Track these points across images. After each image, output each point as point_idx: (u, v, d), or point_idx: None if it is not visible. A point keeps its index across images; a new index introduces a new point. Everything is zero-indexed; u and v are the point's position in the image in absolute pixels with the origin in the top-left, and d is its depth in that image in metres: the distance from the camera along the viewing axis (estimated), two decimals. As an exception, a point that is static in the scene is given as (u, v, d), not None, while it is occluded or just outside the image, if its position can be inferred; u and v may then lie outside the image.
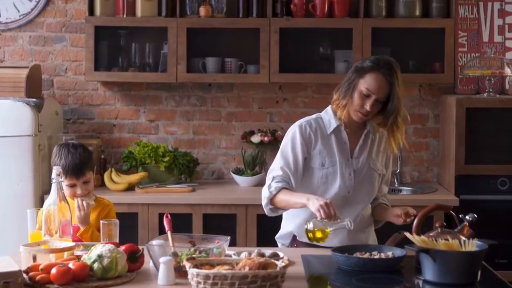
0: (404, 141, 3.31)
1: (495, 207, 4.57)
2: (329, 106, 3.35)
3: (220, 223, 4.54)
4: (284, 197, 3.20)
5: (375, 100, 3.17)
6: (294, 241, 3.37)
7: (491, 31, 5.01)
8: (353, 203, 3.29)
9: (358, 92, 3.18)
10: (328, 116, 3.31)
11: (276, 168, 3.29)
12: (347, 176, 3.27)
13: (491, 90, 4.78)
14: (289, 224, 3.40)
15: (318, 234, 3.02)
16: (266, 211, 3.29)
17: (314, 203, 3.02)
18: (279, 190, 3.22)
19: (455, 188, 4.62)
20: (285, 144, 3.31)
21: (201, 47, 4.94)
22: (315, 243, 3.08)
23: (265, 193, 3.26)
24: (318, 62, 5.00)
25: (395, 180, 4.96)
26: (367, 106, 3.17)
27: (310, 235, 3.02)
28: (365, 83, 3.17)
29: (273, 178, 3.26)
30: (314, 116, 3.35)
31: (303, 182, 3.30)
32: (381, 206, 3.42)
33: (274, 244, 3.48)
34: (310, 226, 3.02)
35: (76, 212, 3.24)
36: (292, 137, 3.29)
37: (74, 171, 3.29)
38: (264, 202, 3.27)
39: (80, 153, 3.35)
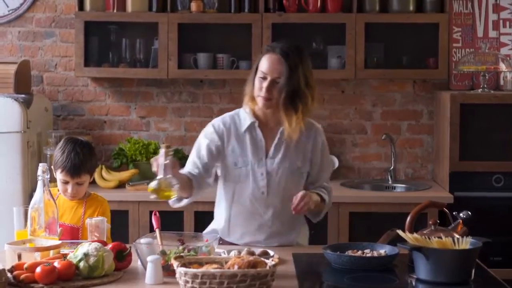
0: (297, 125, 3.14)
1: (489, 204, 4.54)
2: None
3: (212, 221, 4.48)
4: None
5: (272, 81, 3.09)
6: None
7: (485, 26, 4.97)
8: (271, 204, 3.21)
9: (257, 77, 3.13)
10: (245, 113, 3.23)
11: (188, 160, 3.25)
12: (259, 177, 3.18)
13: (485, 86, 4.74)
14: (214, 222, 3.36)
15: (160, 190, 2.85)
16: (171, 202, 3.18)
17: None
18: None
19: (450, 185, 4.59)
20: (199, 138, 3.28)
21: (193, 42, 4.89)
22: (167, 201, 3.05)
23: None
24: (311, 58, 4.92)
25: (389, 177, 4.93)
26: (264, 88, 3.09)
27: (155, 193, 2.86)
28: (261, 66, 3.13)
29: (188, 164, 3.23)
30: (232, 112, 3.29)
31: (224, 180, 3.24)
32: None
33: (266, 242, 3.42)
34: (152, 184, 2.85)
35: None
36: (205, 132, 3.25)
37: (71, 169, 3.23)
38: None
39: (85, 154, 3.27)
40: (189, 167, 3.21)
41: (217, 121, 3.25)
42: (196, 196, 3.18)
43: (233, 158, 3.19)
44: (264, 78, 3.11)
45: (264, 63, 3.12)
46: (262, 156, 3.19)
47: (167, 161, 2.80)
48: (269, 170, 3.19)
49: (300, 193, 3.10)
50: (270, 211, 3.21)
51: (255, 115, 3.22)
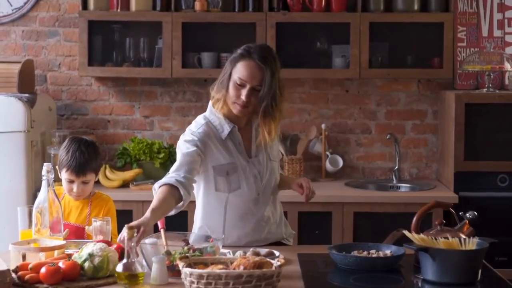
0: (277, 132, 3.17)
1: (494, 204, 4.53)
2: (212, 107, 3.15)
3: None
4: (156, 196, 2.92)
5: (251, 89, 3.01)
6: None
7: (490, 25, 4.95)
8: (264, 201, 3.19)
9: (233, 83, 3.03)
10: (218, 119, 3.12)
11: (175, 165, 3.05)
12: (252, 180, 3.13)
13: (490, 85, 4.72)
14: (202, 228, 3.22)
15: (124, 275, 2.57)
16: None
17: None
18: (162, 185, 2.94)
19: (454, 185, 4.57)
20: (180, 145, 3.10)
21: (197, 42, 4.88)
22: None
23: (160, 180, 2.99)
24: (315, 57, 4.94)
25: (393, 177, 4.91)
26: (243, 96, 3.01)
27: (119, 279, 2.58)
28: (238, 72, 3.01)
29: (172, 171, 3.02)
30: (201, 120, 3.14)
31: (211, 191, 3.14)
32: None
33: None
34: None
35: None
36: (186, 139, 3.08)
37: (76, 168, 3.23)
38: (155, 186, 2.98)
39: (90, 153, 3.27)
40: (175, 172, 2.99)
41: (196, 132, 3.09)
42: (186, 202, 2.99)
43: (223, 167, 3.10)
44: (241, 86, 3.02)
45: (242, 70, 3.01)
46: (247, 158, 3.14)
47: (132, 244, 2.58)
48: (260, 170, 3.16)
49: (302, 181, 3.13)
50: (264, 208, 3.19)
51: (229, 118, 3.12)
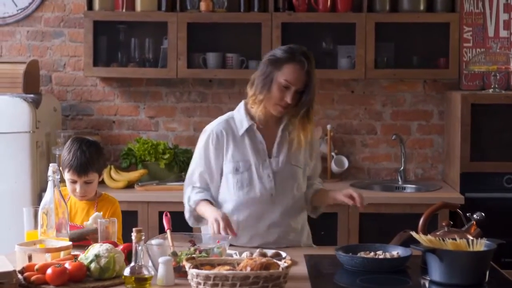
0: (313, 134, 3.26)
1: (500, 205, 4.51)
2: (242, 103, 3.23)
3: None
4: (200, 212, 3.15)
5: (295, 92, 3.07)
6: None
7: (496, 26, 4.94)
8: (279, 203, 3.18)
9: (277, 85, 3.07)
10: (240, 116, 3.19)
11: (195, 176, 3.20)
12: (265, 178, 3.15)
13: (496, 86, 4.71)
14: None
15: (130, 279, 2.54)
16: (191, 223, 3.24)
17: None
18: (198, 203, 3.14)
19: (460, 186, 4.56)
20: (199, 150, 3.21)
21: (202, 42, 4.88)
22: None
23: (186, 206, 3.20)
24: (321, 57, 4.92)
25: (399, 178, 4.90)
26: (288, 99, 3.06)
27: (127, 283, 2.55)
28: (283, 75, 3.06)
29: (193, 188, 3.19)
30: (225, 116, 3.23)
31: (222, 189, 3.19)
32: (322, 191, 3.32)
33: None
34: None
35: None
36: (205, 143, 3.19)
37: (77, 168, 3.22)
38: (186, 215, 3.23)
39: (91, 152, 3.26)
40: (199, 186, 3.19)
41: (215, 128, 3.18)
42: None
43: (233, 164, 3.14)
44: (287, 88, 3.07)
45: (288, 73, 3.06)
46: (265, 157, 3.16)
47: (140, 247, 2.54)
48: (275, 170, 3.16)
49: (351, 192, 3.12)
50: (279, 211, 3.18)
51: (251, 117, 3.17)
